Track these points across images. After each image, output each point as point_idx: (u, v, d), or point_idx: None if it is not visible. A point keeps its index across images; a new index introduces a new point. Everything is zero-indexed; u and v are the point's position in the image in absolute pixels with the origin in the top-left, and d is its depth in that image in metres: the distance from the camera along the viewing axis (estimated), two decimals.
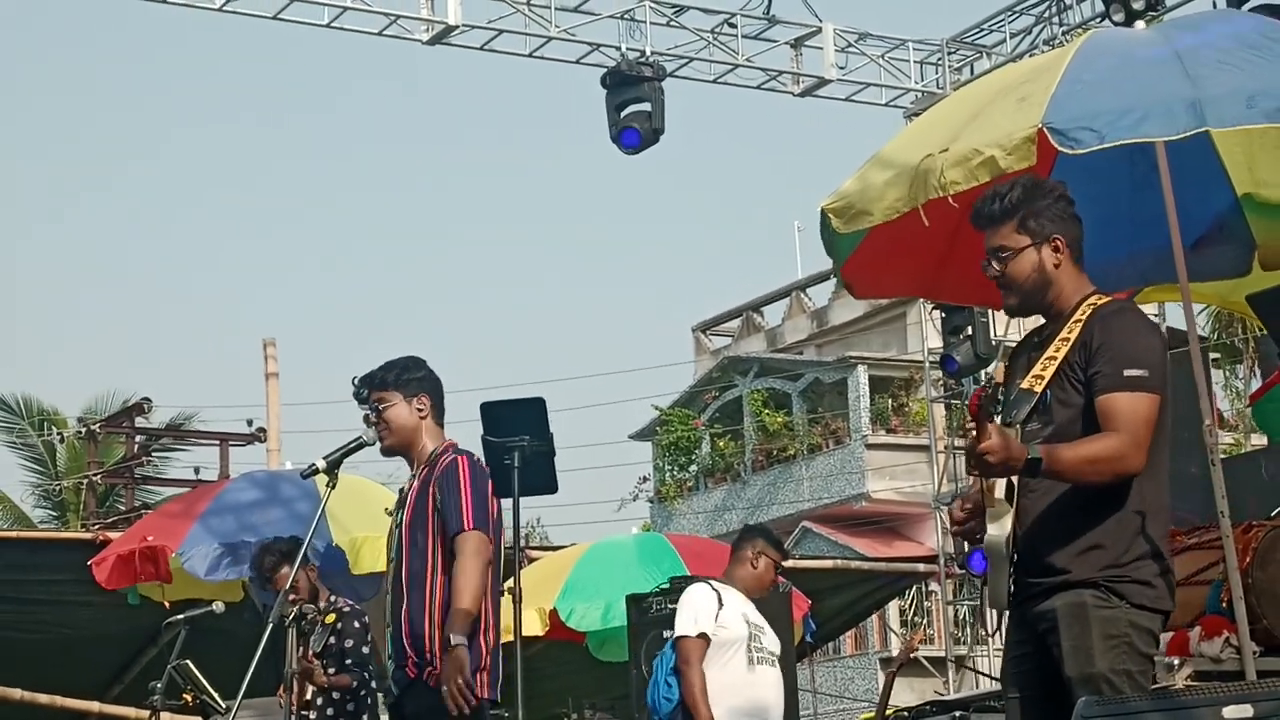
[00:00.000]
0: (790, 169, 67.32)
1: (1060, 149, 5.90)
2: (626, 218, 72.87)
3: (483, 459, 6.83)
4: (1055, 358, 5.03)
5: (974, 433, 4.75)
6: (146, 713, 8.96)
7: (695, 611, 8.44)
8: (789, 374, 37.95)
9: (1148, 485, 4.93)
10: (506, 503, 6.71)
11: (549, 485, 6.66)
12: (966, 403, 4.84)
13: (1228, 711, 4.18)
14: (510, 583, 7.87)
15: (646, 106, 15.85)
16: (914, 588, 30.87)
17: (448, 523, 6.43)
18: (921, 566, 19.82)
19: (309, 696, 8.98)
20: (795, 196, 65.65)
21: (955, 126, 6.34)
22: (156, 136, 72.57)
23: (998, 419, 4.90)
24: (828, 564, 18.73)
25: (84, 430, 29.92)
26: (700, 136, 61.15)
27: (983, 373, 19.63)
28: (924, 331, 25.90)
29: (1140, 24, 8.95)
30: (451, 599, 6.35)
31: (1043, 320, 5.26)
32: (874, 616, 31.01)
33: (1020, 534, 4.96)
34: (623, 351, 72.24)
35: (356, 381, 6.72)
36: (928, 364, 23.62)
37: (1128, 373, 4.89)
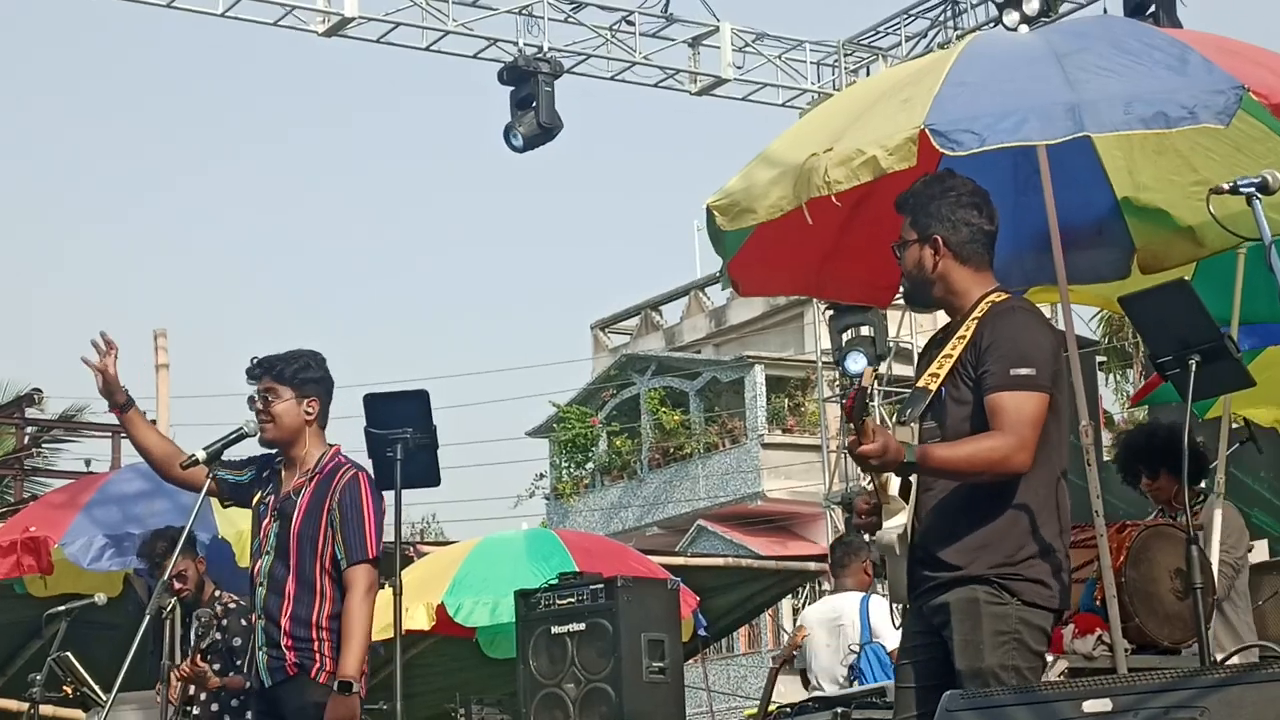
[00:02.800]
0: (690, 168, 67.58)
1: (941, 150, 5.96)
2: (527, 214, 72.88)
3: (365, 451, 6.83)
4: (951, 356, 5.10)
5: (855, 433, 4.82)
6: (26, 705, 8.85)
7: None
8: (686, 373, 38.04)
9: (1039, 483, 5.00)
10: (389, 495, 6.72)
11: (431, 478, 6.67)
12: (842, 404, 4.92)
13: (1087, 705, 4.24)
14: (392, 578, 7.88)
15: (538, 102, 15.89)
16: (807, 586, 31.01)
17: (349, 548, 6.49)
18: (812, 565, 19.92)
19: (191, 691, 8.91)
20: (694, 195, 65.73)
21: (839, 126, 6.38)
22: (50, 126, 71.78)
23: (884, 419, 4.97)
24: (719, 561, 18.82)
25: None
26: (601, 133, 61.25)
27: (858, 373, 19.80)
28: (818, 332, 26.04)
29: (1025, 29, 9.03)
30: (344, 638, 6.44)
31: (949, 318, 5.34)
32: (767, 615, 31.16)
33: (917, 529, 5.02)
34: (521, 348, 72.26)
35: (255, 360, 6.71)
36: (821, 364, 23.75)
37: (1014, 371, 4.95)
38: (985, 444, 4.91)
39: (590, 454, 39.75)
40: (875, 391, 22.09)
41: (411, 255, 76.74)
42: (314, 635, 6.48)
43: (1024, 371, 4.95)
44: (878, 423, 4.99)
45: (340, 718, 6.34)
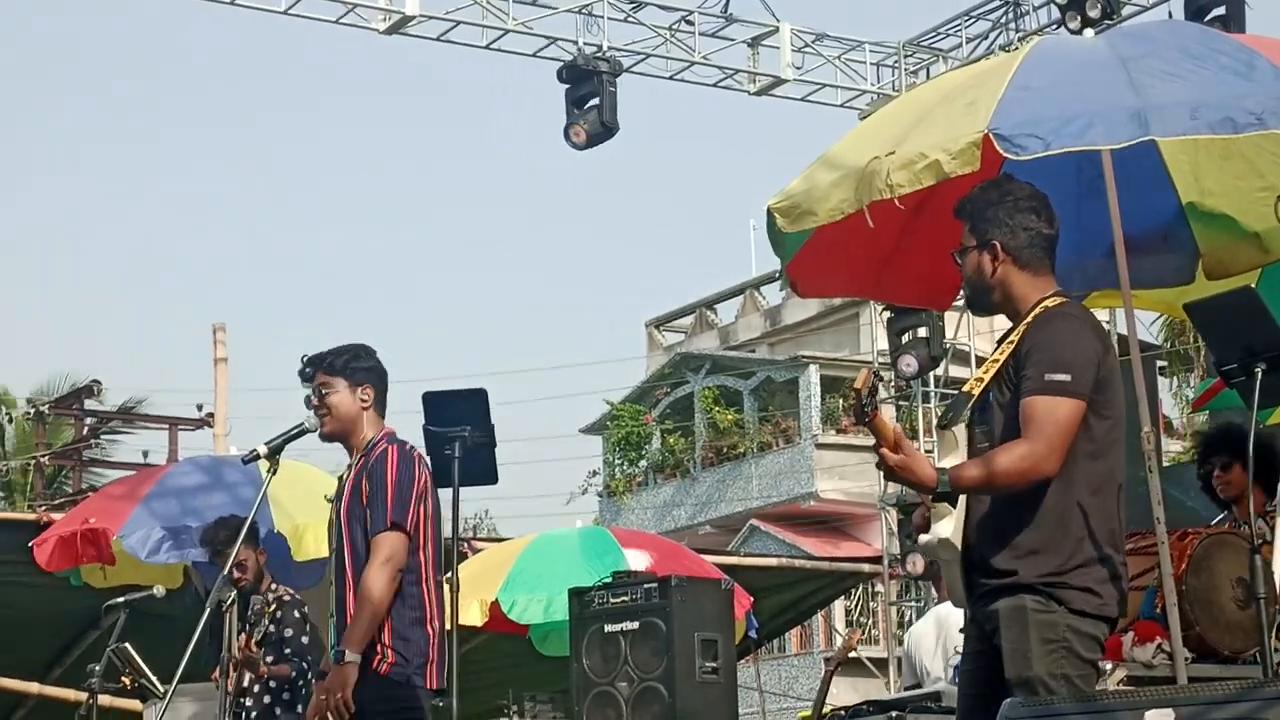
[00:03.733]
0: (746, 167, 67.48)
1: (1005, 155, 5.93)
2: (583, 211, 72.97)
3: (424, 449, 6.81)
4: (998, 360, 5.08)
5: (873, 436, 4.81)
6: (85, 695, 8.89)
7: None
8: (741, 372, 37.99)
9: (1087, 491, 4.96)
10: (446, 493, 6.71)
11: (489, 476, 6.67)
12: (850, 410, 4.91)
13: (1150, 715, 4.20)
14: (448, 574, 7.90)
15: (600, 101, 15.89)
16: (859, 588, 30.95)
17: (372, 520, 6.46)
18: (865, 567, 19.88)
19: (246, 683, 8.97)
20: (750, 194, 65.88)
21: (902, 129, 6.36)
22: (113, 121, 72.25)
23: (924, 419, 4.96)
24: (772, 562, 18.77)
25: (33, 411, 29.77)
26: (658, 132, 61.26)
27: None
28: (874, 333, 25.96)
29: (1090, 32, 9.00)
30: (355, 610, 6.37)
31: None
32: (819, 616, 31.11)
33: (969, 535, 5.00)
34: (575, 345, 72.27)
35: (305, 359, 6.72)
36: (877, 364, 23.67)
37: (1049, 377, 4.92)
38: (1015, 454, 4.88)
39: (643, 452, 39.74)
40: (927, 394, 22.03)
41: (467, 252, 76.95)
42: None
43: (1059, 377, 4.91)
44: (899, 429, 4.97)
45: (331, 688, 6.26)
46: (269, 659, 9.06)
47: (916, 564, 18.71)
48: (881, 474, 4.97)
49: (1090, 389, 4.95)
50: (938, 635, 9.60)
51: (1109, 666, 6.39)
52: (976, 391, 5.10)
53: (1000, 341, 5.25)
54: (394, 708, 6.42)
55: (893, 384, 24.59)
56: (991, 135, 5.86)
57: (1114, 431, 5.05)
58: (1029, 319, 5.10)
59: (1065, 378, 4.92)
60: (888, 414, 27.08)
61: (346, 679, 6.29)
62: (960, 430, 5.11)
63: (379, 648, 6.44)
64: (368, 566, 6.41)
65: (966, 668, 5.20)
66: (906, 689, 9.84)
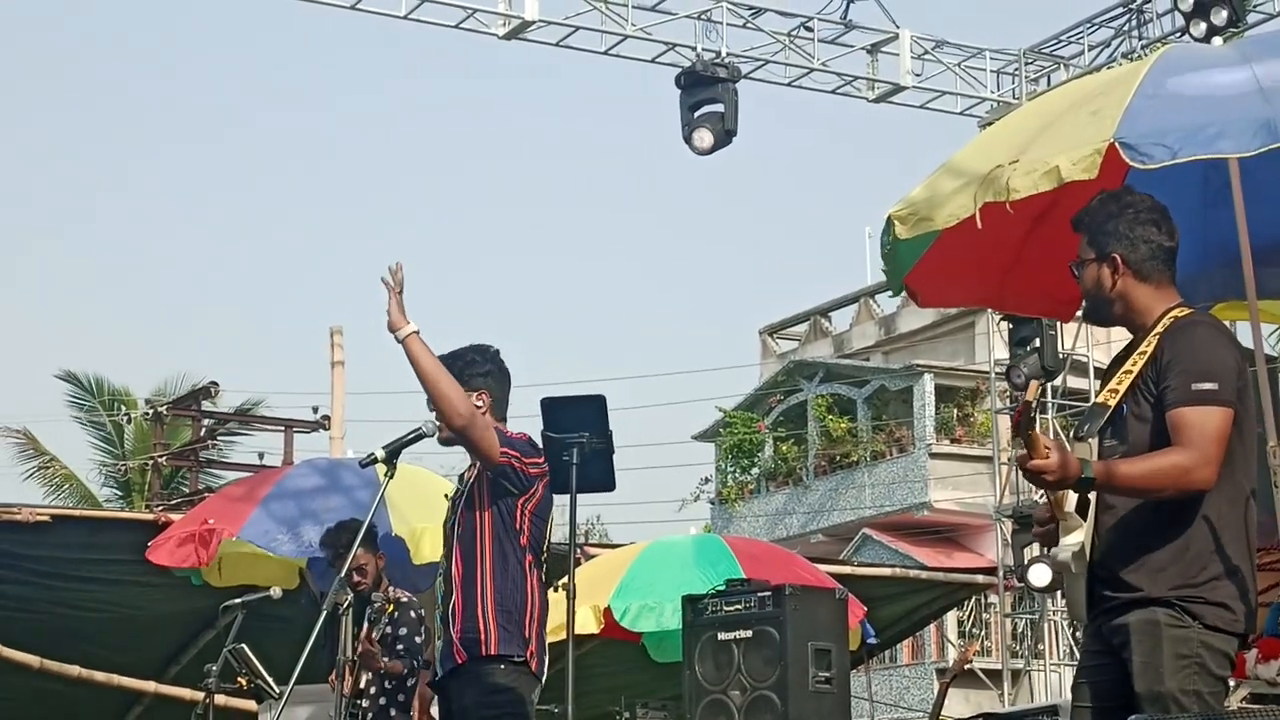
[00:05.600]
0: (863, 175, 67.22)
1: (1131, 164, 5.85)
2: (697, 218, 72.90)
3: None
4: (1131, 372, 5.02)
5: (1026, 447, 4.75)
6: (201, 694, 8.99)
7: None
8: (854, 380, 37.82)
9: (1224, 503, 4.90)
10: (563, 499, 6.73)
11: (607, 482, 6.67)
12: (1011, 418, 4.87)
13: None
14: (564, 580, 7.91)
15: (720, 107, 15.89)
16: (973, 599, 30.73)
17: None
18: (980, 578, 19.70)
19: (362, 685, 9.03)
20: (866, 202, 65.60)
21: (1026, 137, 6.30)
22: (230, 122, 73.10)
23: (1056, 432, 4.89)
24: (886, 571, 18.66)
25: (151, 412, 30.10)
26: (774, 139, 61.16)
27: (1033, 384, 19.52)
28: (990, 342, 25.78)
29: (1218, 40, 8.87)
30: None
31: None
32: (931, 626, 30.91)
33: (1097, 548, 4.94)
34: (688, 352, 72.28)
35: None
36: (994, 375, 23.50)
37: (1196, 387, 4.85)
38: (1168, 460, 4.82)
39: (756, 459, 39.65)
40: (1044, 405, 21.82)
41: (581, 257, 77.19)
42: (479, 616, 6.45)
43: (1207, 386, 4.85)
44: (1050, 436, 4.90)
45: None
46: (385, 659, 9.14)
47: (1043, 576, 18.35)
48: (1017, 480, 4.93)
49: (1235, 398, 4.89)
50: None
51: (1231, 683, 6.30)
52: (1112, 403, 5.04)
53: (1125, 353, 5.19)
54: (496, 685, 6.40)
55: (1007, 393, 24.42)
56: (1118, 144, 5.79)
57: (1248, 443, 4.99)
58: (1160, 329, 5.04)
59: (1213, 387, 4.86)
60: (1003, 423, 26.94)
61: (396, 313, 6.34)
62: (1094, 442, 5.05)
63: (481, 631, 6.41)
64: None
65: (1085, 680, 5.13)
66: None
